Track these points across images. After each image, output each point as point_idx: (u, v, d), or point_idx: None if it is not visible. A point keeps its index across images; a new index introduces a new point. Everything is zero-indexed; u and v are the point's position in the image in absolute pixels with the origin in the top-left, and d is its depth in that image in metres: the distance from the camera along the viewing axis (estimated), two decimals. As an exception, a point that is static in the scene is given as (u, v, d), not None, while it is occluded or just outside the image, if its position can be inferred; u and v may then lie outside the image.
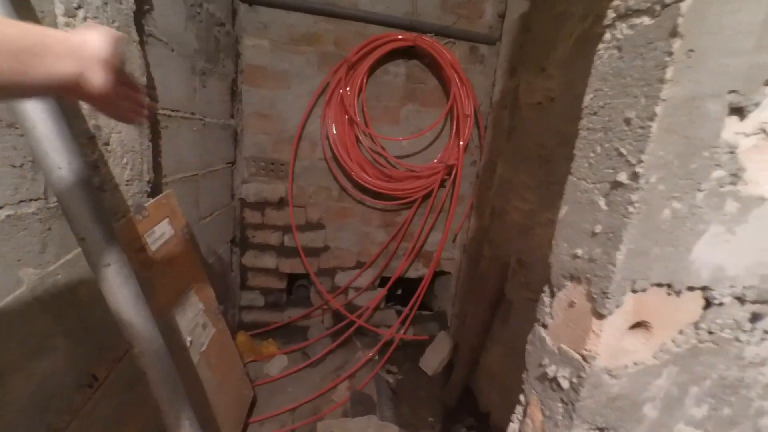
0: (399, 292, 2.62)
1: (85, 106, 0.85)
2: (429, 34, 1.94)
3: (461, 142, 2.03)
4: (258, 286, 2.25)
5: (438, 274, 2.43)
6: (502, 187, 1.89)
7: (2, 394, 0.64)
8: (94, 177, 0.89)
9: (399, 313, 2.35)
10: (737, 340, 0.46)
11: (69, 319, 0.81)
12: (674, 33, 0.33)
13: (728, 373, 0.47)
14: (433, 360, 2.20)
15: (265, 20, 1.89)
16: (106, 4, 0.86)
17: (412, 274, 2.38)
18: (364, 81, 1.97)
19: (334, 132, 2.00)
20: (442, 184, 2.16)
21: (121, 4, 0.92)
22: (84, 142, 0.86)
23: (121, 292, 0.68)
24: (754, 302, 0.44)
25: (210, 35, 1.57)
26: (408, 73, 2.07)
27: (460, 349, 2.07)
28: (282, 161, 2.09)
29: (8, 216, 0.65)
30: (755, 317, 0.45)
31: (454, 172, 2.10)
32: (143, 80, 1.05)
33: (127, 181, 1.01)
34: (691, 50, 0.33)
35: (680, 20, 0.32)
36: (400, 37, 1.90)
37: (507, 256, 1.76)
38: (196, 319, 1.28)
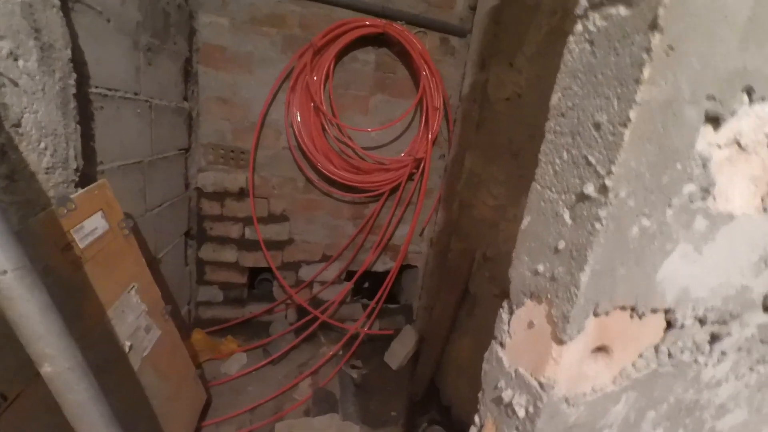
0: (366, 285, 2.57)
1: (-15, 80, 0.72)
2: (400, 22, 1.86)
3: (430, 135, 1.99)
4: (217, 280, 2.13)
5: (405, 267, 2.41)
6: (470, 180, 1.87)
7: None
8: (0, 165, 0.76)
9: (365, 306, 2.31)
10: (696, 362, 0.44)
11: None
12: (654, 25, 0.28)
13: (685, 396, 0.45)
14: (398, 353, 2.19)
15: (224, -5, 1.74)
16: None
17: (379, 267, 2.34)
18: (332, 67, 1.86)
19: (299, 120, 1.89)
20: (410, 177, 2.11)
21: (31, -41, 0.78)
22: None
23: (22, 302, 0.57)
24: (713, 323, 0.42)
25: (157, 8, 1.41)
26: (378, 62, 1.98)
27: (426, 343, 2.07)
28: (243, 149, 1.96)
29: None
30: (714, 338, 0.44)
31: (422, 165, 2.06)
32: (67, 53, 0.91)
33: (47, 169, 0.87)
34: (670, 47, 0.28)
35: (661, 11, 0.27)
36: (368, 23, 1.81)
37: (473, 250, 1.75)
38: (137, 321, 1.17)
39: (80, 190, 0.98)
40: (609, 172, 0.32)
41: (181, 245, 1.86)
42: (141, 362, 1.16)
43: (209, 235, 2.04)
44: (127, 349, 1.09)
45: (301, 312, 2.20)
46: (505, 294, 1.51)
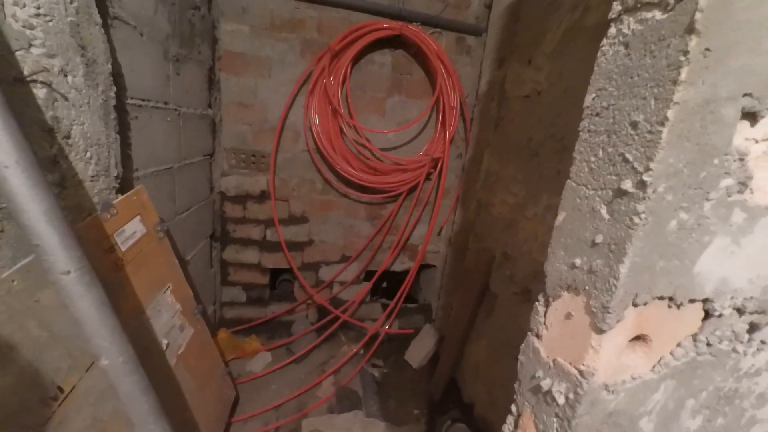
0: (384, 285, 2.60)
1: (40, 95, 0.77)
2: (415, 23, 1.88)
3: (447, 135, 2.00)
4: (240, 281, 2.18)
5: (423, 266, 2.42)
6: (488, 180, 1.87)
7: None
8: (54, 174, 0.81)
9: (384, 306, 2.34)
10: (734, 351, 0.45)
11: (30, 328, 0.75)
12: (691, 29, 0.30)
13: (724, 384, 0.46)
14: (418, 353, 2.21)
15: (244, 4, 1.79)
16: (60, -20, 0.78)
17: (397, 267, 2.36)
18: (349, 70, 1.90)
19: (318, 123, 1.93)
20: (427, 177, 2.13)
21: (78, -19, 0.83)
22: (40, 135, 0.78)
23: (82, 300, 0.62)
24: (752, 313, 0.43)
25: (184, 19, 1.47)
26: (394, 63, 2.01)
27: (446, 342, 2.08)
28: (263, 153, 2.01)
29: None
30: (753, 328, 0.44)
31: (439, 164, 2.07)
32: (108, 67, 0.96)
33: (92, 176, 0.93)
34: (708, 49, 0.30)
35: (698, 16, 0.29)
36: (386, 25, 1.84)
37: (492, 249, 1.75)
38: (172, 320, 1.22)
39: (120, 196, 1.04)
40: (647, 169, 0.33)
41: (206, 247, 1.93)
42: (176, 359, 1.21)
43: (232, 237, 2.10)
44: (164, 347, 1.14)
45: (322, 312, 2.24)
46: (526, 292, 1.51)
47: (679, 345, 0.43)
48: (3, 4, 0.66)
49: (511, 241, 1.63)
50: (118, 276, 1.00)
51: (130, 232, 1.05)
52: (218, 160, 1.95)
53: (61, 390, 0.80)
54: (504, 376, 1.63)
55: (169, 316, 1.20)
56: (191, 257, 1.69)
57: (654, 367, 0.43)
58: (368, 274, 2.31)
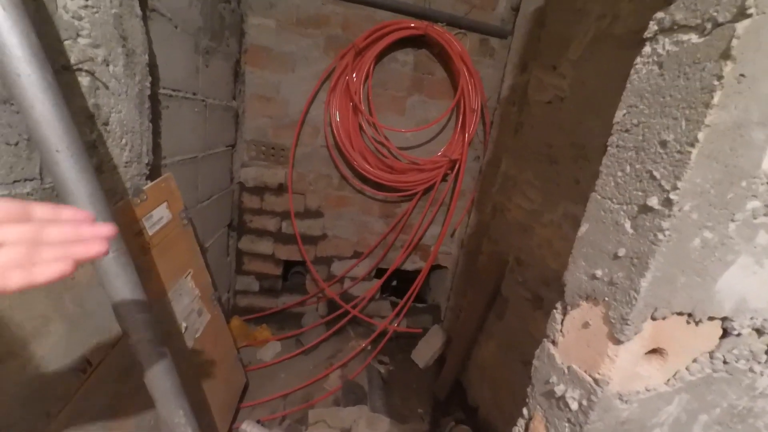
0: (394, 283, 2.62)
1: (84, 83, 0.81)
2: (440, 24, 1.89)
3: (466, 137, 2.00)
4: (254, 271, 2.24)
5: (434, 267, 2.44)
6: (505, 184, 1.87)
7: (-3, 380, 0.63)
8: (92, 158, 0.85)
9: (394, 304, 2.36)
10: (751, 370, 0.45)
11: (65, 303, 0.79)
12: (726, 55, 0.30)
13: (738, 403, 0.46)
14: (425, 352, 2.23)
15: (272, -1, 1.82)
16: (108, -25, 0.81)
17: (408, 266, 2.38)
18: (371, 68, 1.91)
19: (338, 119, 1.96)
20: (444, 178, 2.14)
21: (124, -25, 0.87)
22: (82, 121, 0.83)
23: (118, 281, 0.66)
24: (771, 333, 0.44)
25: (215, 12, 1.51)
26: (416, 63, 2.02)
27: (453, 343, 2.09)
28: (283, 146, 2.04)
29: (3, 196, 0.63)
30: (770, 348, 0.45)
31: (457, 166, 2.08)
32: (145, 57, 1.00)
33: (126, 162, 0.97)
34: (742, 75, 0.31)
35: (735, 42, 0.30)
36: (412, 25, 1.84)
37: (506, 253, 1.76)
38: (191, 305, 1.27)
39: (150, 183, 1.08)
40: (674, 188, 0.34)
41: (224, 236, 1.98)
42: (193, 342, 1.26)
43: (248, 228, 2.15)
44: (183, 330, 1.19)
45: (332, 306, 2.28)
46: (537, 299, 1.51)
47: (695, 360, 0.43)
48: (57, -3, 0.70)
49: (525, 246, 1.63)
50: (145, 259, 1.04)
51: (157, 218, 1.09)
52: (239, 152, 2.00)
53: (89, 363, 0.85)
54: (511, 380, 1.64)
55: (189, 300, 1.25)
56: (210, 245, 1.74)
57: (669, 380, 0.43)
58: (379, 272, 2.34)
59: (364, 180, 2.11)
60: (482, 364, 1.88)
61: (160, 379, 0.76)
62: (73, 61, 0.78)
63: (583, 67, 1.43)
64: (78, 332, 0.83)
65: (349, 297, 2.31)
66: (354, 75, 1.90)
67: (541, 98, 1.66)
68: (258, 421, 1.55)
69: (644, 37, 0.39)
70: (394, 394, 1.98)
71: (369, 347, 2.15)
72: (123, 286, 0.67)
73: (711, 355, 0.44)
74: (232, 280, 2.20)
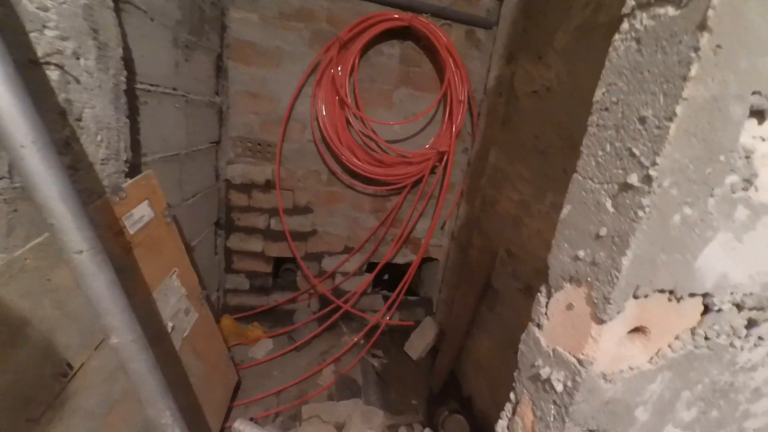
0: (386, 277, 2.62)
1: (53, 77, 0.78)
2: (425, 15, 1.87)
3: (454, 129, 2.00)
4: (243, 269, 2.21)
5: (425, 260, 2.44)
6: (494, 176, 1.87)
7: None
8: (66, 156, 0.83)
9: (386, 298, 2.36)
10: (732, 345, 0.45)
11: (42, 306, 0.77)
12: (703, 26, 0.30)
13: (720, 378, 0.47)
14: (418, 345, 2.23)
15: (254, -8, 1.78)
16: (75, -37, 0.78)
17: (399, 260, 2.38)
18: (357, 61, 1.89)
19: (324, 114, 1.93)
20: (432, 171, 2.13)
21: (92, -36, 0.83)
22: (53, 117, 0.80)
23: (95, 279, 0.64)
24: (751, 309, 0.44)
25: (194, 5, 1.47)
26: (402, 55, 2.00)
27: (446, 335, 2.10)
28: (270, 142, 2.01)
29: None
30: (751, 323, 0.45)
31: (445, 158, 2.07)
32: (119, 51, 0.97)
33: (103, 160, 0.94)
34: (718, 46, 0.30)
35: (710, 13, 0.29)
36: (395, 16, 1.83)
37: (496, 245, 1.76)
38: (178, 304, 1.24)
39: (129, 181, 1.05)
40: (654, 164, 0.34)
41: (211, 234, 1.95)
42: (181, 342, 1.24)
43: (237, 226, 2.12)
44: (170, 330, 1.17)
45: (324, 301, 2.27)
46: (529, 289, 1.52)
47: (677, 338, 0.44)
48: (20, -14, 0.67)
49: (515, 238, 1.64)
50: (126, 259, 1.01)
51: (138, 216, 1.07)
52: (224, 148, 1.96)
53: (70, 367, 0.83)
54: (504, 370, 1.65)
55: (175, 299, 1.23)
56: (196, 244, 1.71)
57: (652, 358, 0.44)
58: (371, 266, 2.33)
59: (353, 174, 2.09)
60: (476, 355, 1.90)
61: (144, 380, 0.74)
62: (40, 54, 0.75)
63: (569, 56, 1.43)
64: (58, 336, 0.80)
65: (340, 292, 2.30)
66: (339, 68, 1.88)
67: (528, 89, 1.66)
68: (251, 419, 1.54)
69: (622, 13, 0.38)
70: (388, 387, 1.98)
71: (362, 341, 2.15)
72: (100, 286, 0.65)
73: (692, 331, 0.44)
74: (222, 279, 2.17)
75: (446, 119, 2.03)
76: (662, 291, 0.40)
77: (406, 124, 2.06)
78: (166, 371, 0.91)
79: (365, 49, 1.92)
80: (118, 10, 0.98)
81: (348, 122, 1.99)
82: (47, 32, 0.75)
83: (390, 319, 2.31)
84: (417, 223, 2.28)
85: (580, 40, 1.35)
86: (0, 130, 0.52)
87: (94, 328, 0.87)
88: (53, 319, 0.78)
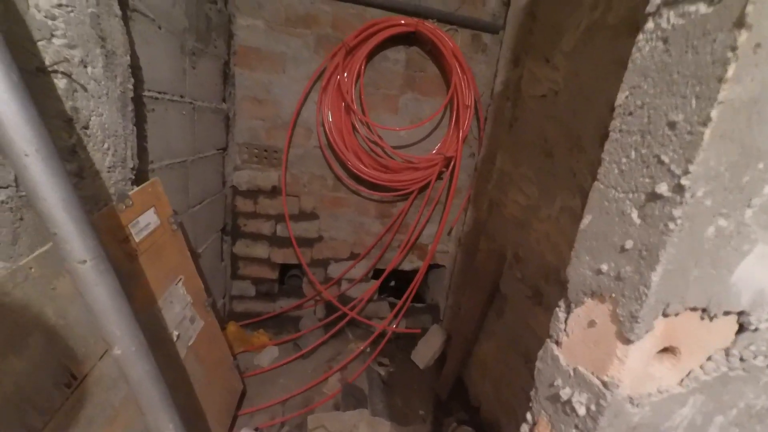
0: (392, 283, 2.59)
1: (60, 85, 0.78)
2: (431, 20, 1.86)
3: (460, 134, 1.97)
4: (249, 275, 2.20)
5: (432, 266, 2.41)
6: (501, 180, 1.84)
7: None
8: (72, 163, 0.82)
9: (392, 305, 2.33)
10: (769, 366, 0.42)
11: (46, 315, 0.76)
12: (740, 23, 0.28)
13: (756, 402, 0.44)
14: (425, 353, 2.19)
15: (260, -1, 1.79)
16: (82, -29, 0.78)
17: (406, 266, 2.35)
18: (363, 67, 1.89)
19: (330, 119, 1.93)
20: (439, 176, 2.11)
21: (99, -28, 0.84)
22: (60, 125, 0.79)
23: (98, 289, 0.63)
24: (790, 327, 0.41)
25: (201, 13, 1.47)
26: (408, 60, 1.99)
27: (453, 342, 2.06)
28: (276, 148, 2.01)
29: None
30: (789, 342, 0.42)
31: (452, 164, 2.05)
32: (126, 59, 0.97)
33: (109, 167, 0.94)
34: (758, 44, 0.28)
35: (750, 8, 0.27)
36: (402, 22, 1.82)
37: (504, 249, 1.73)
38: (183, 312, 1.23)
39: (136, 188, 1.05)
40: (686, 172, 0.31)
41: (217, 241, 1.94)
42: (186, 350, 1.22)
43: (243, 232, 2.11)
44: (174, 338, 1.15)
45: (330, 308, 2.24)
46: (537, 294, 1.49)
47: (710, 359, 0.41)
48: (26, -6, 0.67)
49: (523, 242, 1.60)
50: (131, 266, 1.00)
51: (144, 224, 1.06)
52: (231, 155, 1.96)
53: (74, 377, 0.81)
54: (513, 378, 1.61)
55: (180, 307, 1.21)
56: (202, 250, 1.70)
57: (682, 380, 0.41)
58: (377, 273, 2.31)
59: (359, 180, 2.08)
60: (483, 363, 1.85)
61: (147, 391, 0.73)
62: (47, 62, 0.75)
63: (576, 58, 1.40)
64: (61, 345, 0.79)
65: (346, 299, 2.28)
66: (345, 74, 1.87)
67: (535, 92, 1.64)
68: (256, 429, 1.52)
69: (647, 12, 0.36)
70: (394, 396, 1.95)
71: (368, 349, 2.12)
72: (103, 295, 0.63)
73: (727, 352, 0.41)
74: (227, 286, 2.16)
75: (453, 124, 2.01)
76: (694, 309, 0.37)
77: (413, 130, 2.05)
78: (170, 380, 0.90)
79: (371, 55, 1.91)
80: (125, 18, 0.98)
81: (354, 128, 1.98)
82: (55, 41, 0.75)
83: (396, 326, 2.28)
84: (424, 229, 2.26)
85: (588, 42, 1.33)
86: (4, 138, 0.51)
87: (98, 337, 0.85)
88: (57, 328, 0.77)
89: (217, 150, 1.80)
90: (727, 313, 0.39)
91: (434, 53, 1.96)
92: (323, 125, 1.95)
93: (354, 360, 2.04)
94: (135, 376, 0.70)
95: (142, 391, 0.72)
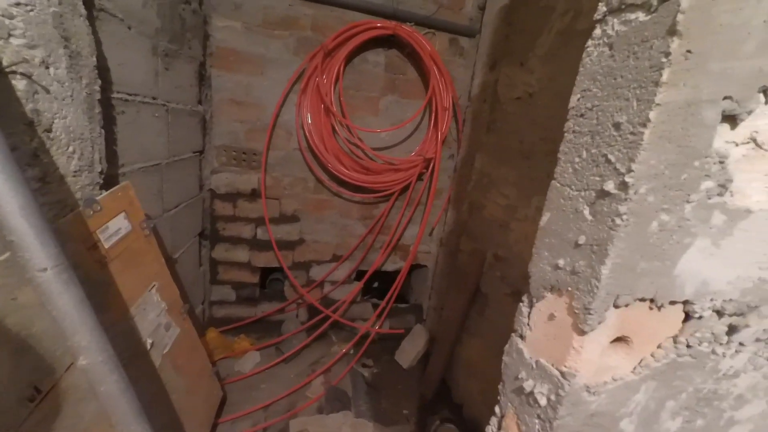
0: (375, 285, 2.59)
1: (20, 87, 0.75)
2: (409, 24, 1.88)
3: (439, 135, 2.00)
4: (230, 280, 2.16)
5: (415, 267, 2.42)
6: (480, 181, 1.88)
7: None
8: (33, 168, 0.79)
9: (375, 306, 2.33)
10: (714, 353, 0.45)
11: (8, 327, 0.73)
12: (673, 31, 0.30)
13: (704, 386, 0.46)
14: (409, 353, 2.21)
15: (238, 0, 1.77)
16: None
17: (389, 267, 2.36)
18: (342, 69, 1.89)
19: (310, 121, 1.92)
20: (420, 178, 2.13)
21: (62, -29, 0.81)
22: (20, 128, 0.76)
23: (61, 299, 0.60)
24: (732, 315, 0.44)
25: (174, 13, 1.45)
26: (387, 63, 2.01)
27: (437, 342, 2.08)
28: (255, 151, 1.99)
29: None
30: (732, 330, 0.45)
31: (431, 165, 2.08)
32: (93, 60, 0.94)
33: (75, 172, 0.91)
34: (689, 51, 0.30)
35: (680, 17, 0.29)
36: (379, 24, 1.83)
37: (484, 250, 1.76)
38: (158, 319, 1.20)
39: (105, 192, 1.02)
40: (629, 170, 0.33)
41: (195, 245, 1.90)
42: (161, 359, 1.19)
43: (222, 236, 2.08)
44: (148, 346, 1.12)
45: (312, 311, 2.23)
46: (517, 293, 1.52)
47: (659, 346, 0.43)
48: (-19, -7, 0.65)
49: (503, 242, 1.64)
50: (101, 274, 0.97)
51: (114, 229, 1.03)
52: (208, 158, 1.93)
53: (38, 390, 0.78)
54: (495, 376, 1.64)
55: (154, 314, 1.18)
56: (179, 255, 1.66)
57: (635, 368, 0.43)
58: (359, 274, 2.30)
59: (341, 182, 2.07)
60: (467, 362, 1.88)
61: (117, 402, 0.71)
62: (5, 62, 0.72)
63: (550, 62, 1.45)
64: (23, 358, 0.76)
65: (329, 301, 2.27)
66: (324, 77, 1.87)
67: (511, 95, 1.68)
68: (237, 437, 1.49)
69: (594, 19, 0.38)
70: (379, 398, 1.95)
71: (352, 351, 2.11)
72: (67, 305, 0.61)
73: (675, 339, 0.44)
74: (207, 291, 2.12)
75: (432, 126, 2.03)
76: (643, 299, 0.39)
77: (393, 132, 2.06)
78: (143, 390, 0.87)
79: (350, 57, 1.92)
80: (91, 18, 0.96)
81: (334, 130, 1.98)
82: (13, 40, 0.73)
83: (380, 327, 2.29)
84: (405, 230, 2.27)
85: (561, 46, 1.37)
86: (-46, 142, 0.49)
87: (63, 349, 0.82)
88: (18, 340, 0.74)
89: (194, 153, 1.76)
90: (673, 303, 0.41)
91: (413, 56, 1.98)
92: (303, 127, 1.94)
93: (337, 362, 2.04)
94: (104, 387, 0.68)
95: (112, 404, 0.70)
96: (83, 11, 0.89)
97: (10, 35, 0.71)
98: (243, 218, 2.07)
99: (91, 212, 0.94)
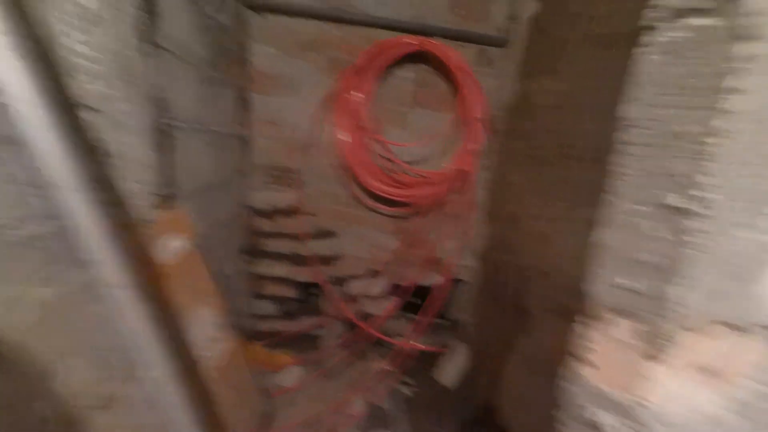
0: (412, 300, 2.56)
1: (88, 118, 0.83)
2: (436, 37, 1.90)
3: (472, 147, 1.98)
4: (270, 294, 2.23)
5: (453, 281, 2.37)
6: (516, 193, 1.83)
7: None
8: (100, 192, 0.87)
9: (413, 321, 2.30)
10: (810, 382, 0.40)
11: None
12: (742, 35, 0.28)
13: (799, 420, 0.41)
14: (450, 371, 2.14)
15: (272, 26, 1.88)
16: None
17: (425, 282, 2.33)
18: (372, 85, 1.93)
19: (343, 138, 1.97)
20: (454, 190, 2.11)
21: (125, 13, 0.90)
22: (89, 157, 0.84)
23: (131, 314, 0.65)
24: (829, 338, 0.39)
25: (218, 44, 1.56)
26: (416, 77, 2.03)
27: (479, 361, 2.01)
28: (292, 169, 2.06)
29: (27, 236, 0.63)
30: (830, 355, 0.40)
31: (466, 177, 2.05)
32: (149, 90, 1.03)
33: (135, 194, 0.99)
34: (760, 55, 0.28)
35: (752, 20, 0.27)
36: (407, 41, 1.86)
37: (524, 264, 1.70)
38: (207, 333, 1.25)
39: (160, 213, 1.10)
40: (697, 183, 0.31)
41: (238, 262, 1.99)
42: (211, 372, 1.24)
43: (263, 252, 2.15)
44: (201, 359, 1.17)
45: (350, 326, 2.24)
46: (562, 310, 1.45)
47: (743, 375, 0.39)
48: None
49: (544, 255, 1.57)
50: (158, 290, 1.04)
51: (170, 247, 1.10)
52: (249, 177, 2.03)
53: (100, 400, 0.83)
54: (541, 397, 1.55)
55: (204, 329, 1.24)
56: (224, 271, 1.74)
57: (714, 399, 0.39)
58: (395, 289, 2.29)
59: (374, 197, 2.10)
60: (511, 381, 1.80)
61: (178, 413, 0.74)
62: (75, 96, 0.80)
63: (582, 69, 1.40)
64: (90, 368, 0.82)
65: (366, 316, 2.27)
66: (356, 94, 1.92)
67: (544, 103, 1.63)
68: (279, 451, 1.51)
69: (647, 25, 0.37)
70: (419, 417, 1.90)
71: (391, 368, 2.09)
72: (136, 319, 0.66)
73: (761, 367, 0.39)
74: (248, 305, 2.19)
75: (464, 138, 2.02)
76: (721, 322, 0.36)
77: (425, 145, 2.06)
78: (195, 404, 0.91)
79: (379, 74, 1.96)
80: (148, 52, 1.05)
81: (367, 145, 2.02)
82: (80, 76, 0.81)
83: (418, 343, 2.25)
84: (441, 244, 2.24)
85: (594, 53, 1.33)
86: (42, 170, 0.55)
87: (128, 361, 0.87)
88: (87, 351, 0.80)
89: (237, 173, 1.86)
90: (756, 326, 0.37)
91: (441, 69, 1.98)
92: (336, 144, 2.00)
93: (376, 379, 2.02)
94: (167, 398, 0.72)
95: (174, 414, 0.74)
96: (141, 47, 0.99)
97: (79, 72, 0.80)
98: (282, 234, 2.14)
99: (151, 232, 1.01)
